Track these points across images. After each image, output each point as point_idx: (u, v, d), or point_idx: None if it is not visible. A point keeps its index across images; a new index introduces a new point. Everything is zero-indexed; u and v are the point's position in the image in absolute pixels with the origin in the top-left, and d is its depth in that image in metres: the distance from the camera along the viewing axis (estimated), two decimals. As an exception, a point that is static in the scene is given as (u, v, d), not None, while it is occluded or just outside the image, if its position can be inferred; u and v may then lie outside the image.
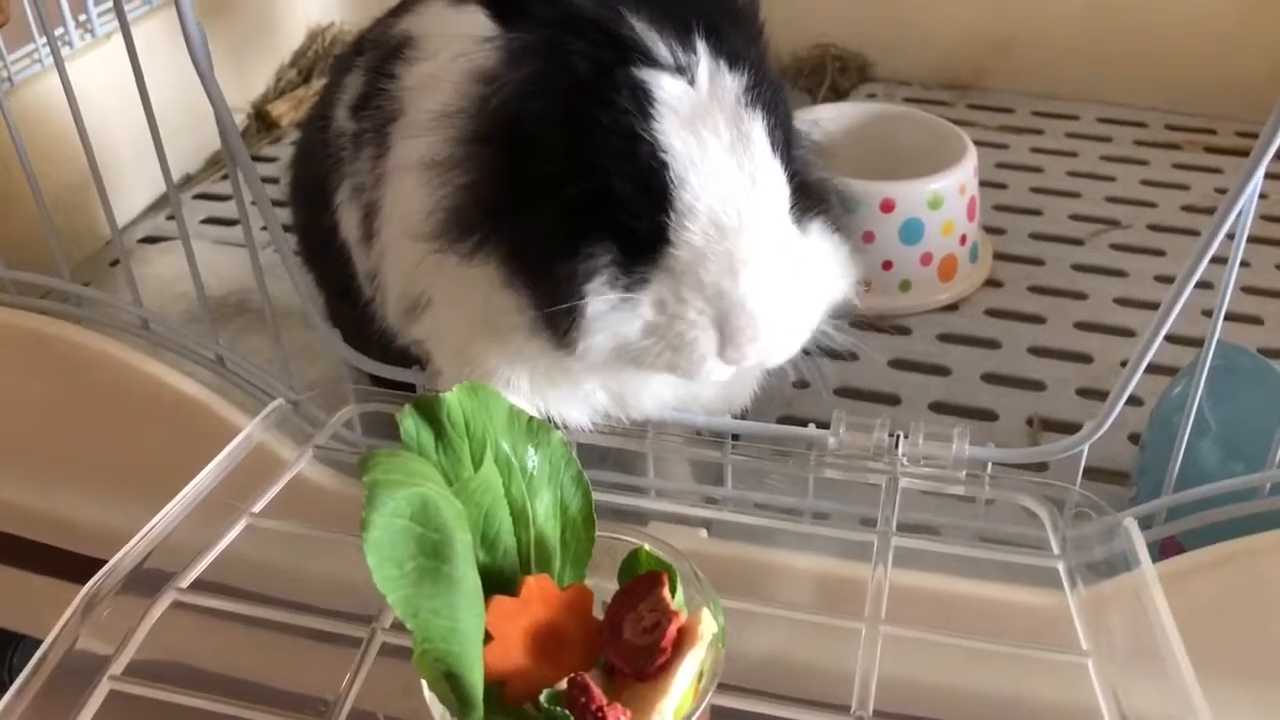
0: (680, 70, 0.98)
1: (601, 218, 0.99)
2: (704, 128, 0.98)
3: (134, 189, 2.05)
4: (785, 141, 1.03)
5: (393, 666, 0.90)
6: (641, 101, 0.97)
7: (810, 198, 1.07)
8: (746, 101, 0.99)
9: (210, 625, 1.00)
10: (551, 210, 1.01)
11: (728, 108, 0.99)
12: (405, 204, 1.13)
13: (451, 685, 0.74)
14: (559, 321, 1.01)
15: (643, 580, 0.81)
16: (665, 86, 0.97)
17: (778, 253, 1.00)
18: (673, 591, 0.80)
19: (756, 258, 0.98)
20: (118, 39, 1.23)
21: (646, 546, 0.86)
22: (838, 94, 2.46)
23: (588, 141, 0.99)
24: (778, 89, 1.04)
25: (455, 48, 1.12)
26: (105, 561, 0.96)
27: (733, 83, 0.99)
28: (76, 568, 0.99)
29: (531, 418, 0.85)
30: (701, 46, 0.99)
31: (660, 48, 0.98)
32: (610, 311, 1.00)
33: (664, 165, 0.97)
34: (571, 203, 0.99)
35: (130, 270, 1.40)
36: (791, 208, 1.03)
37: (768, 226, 0.99)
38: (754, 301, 0.97)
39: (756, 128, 0.99)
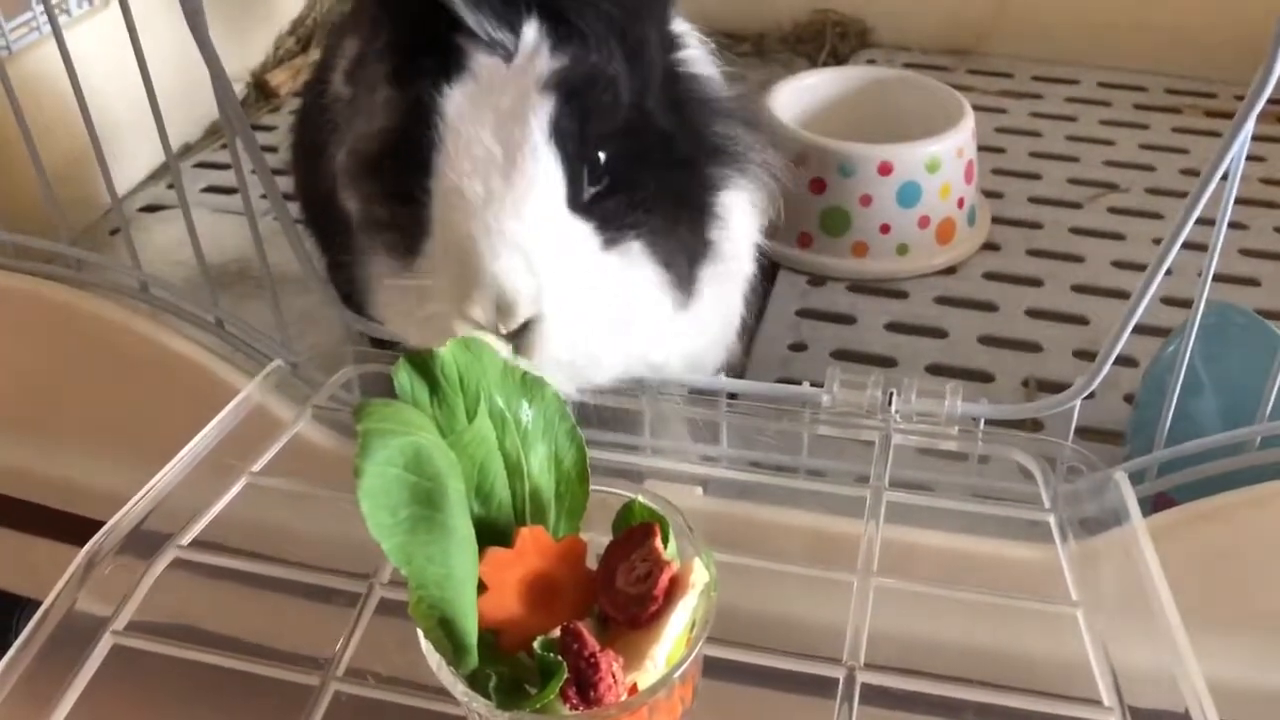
0: (493, 44, 0.99)
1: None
2: (488, 101, 0.99)
3: (134, 158, 2.05)
4: (588, 131, 1.01)
5: (390, 623, 0.91)
6: (448, 67, 1.00)
7: (633, 216, 1.05)
8: (551, 84, 0.99)
9: (209, 584, 1.01)
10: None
11: (524, 87, 0.99)
12: None
13: (446, 632, 0.75)
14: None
15: (636, 530, 0.82)
16: (474, 57, 1.00)
17: (526, 233, 0.98)
18: (665, 542, 0.81)
19: (496, 232, 0.97)
20: (116, 7, 1.23)
21: (640, 498, 0.86)
22: (837, 60, 2.46)
23: (405, 97, 1.03)
24: (614, 76, 1.02)
25: None
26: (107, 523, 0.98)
27: (548, 64, 1.00)
28: (79, 530, 0.99)
29: (525, 373, 0.86)
30: (532, 24, 1.00)
31: (475, 19, 0.99)
32: (383, 255, 1.06)
33: (433, 128, 0.99)
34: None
35: (130, 235, 1.41)
36: (586, 203, 1.02)
37: (523, 207, 0.98)
38: (482, 267, 0.97)
39: (541, 112, 0.99)
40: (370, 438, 0.72)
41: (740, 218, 1.19)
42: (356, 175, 1.14)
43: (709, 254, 1.13)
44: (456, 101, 0.99)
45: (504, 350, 0.99)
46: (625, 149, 1.04)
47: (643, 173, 1.05)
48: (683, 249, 1.09)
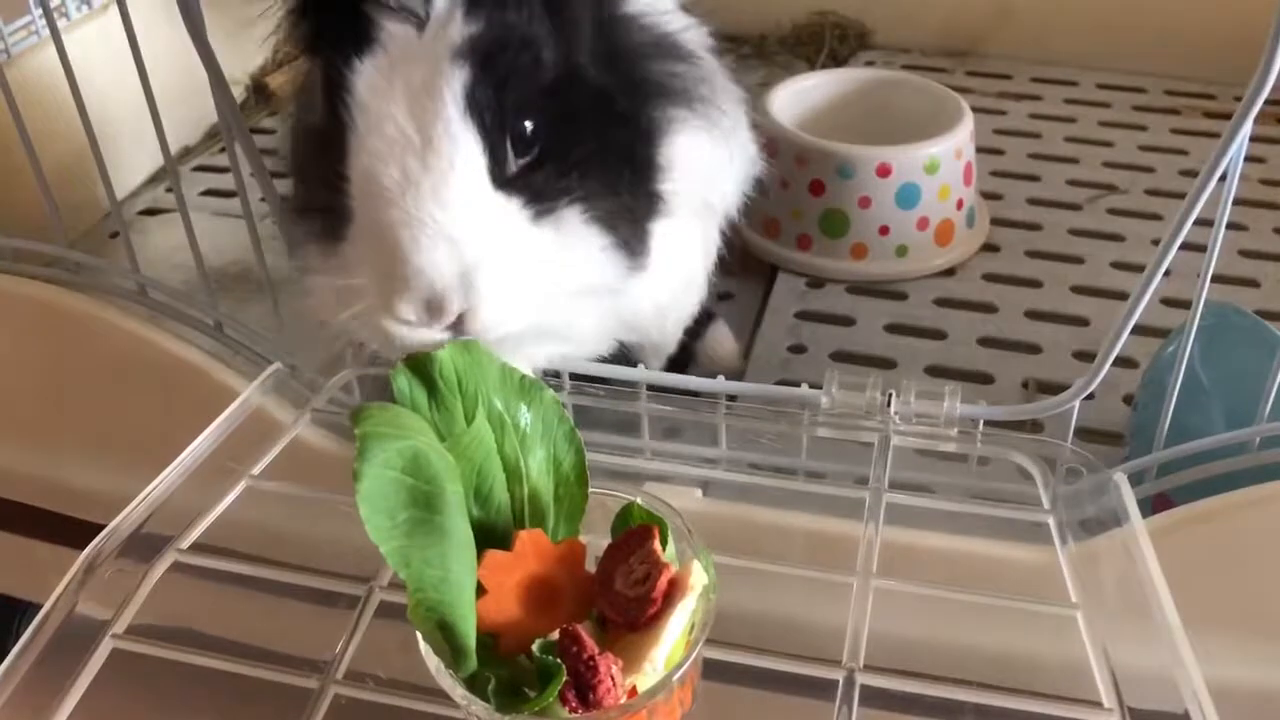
0: (403, 12, 0.94)
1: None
2: (400, 75, 0.94)
3: (134, 161, 2.05)
4: (508, 100, 0.95)
5: (390, 626, 0.91)
6: (360, 41, 0.94)
7: (566, 182, 0.99)
8: (464, 51, 0.93)
9: (209, 587, 1.01)
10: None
11: (436, 57, 0.93)
12: None
13: (445, 635, 0.75)
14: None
15: (634, 533, 0.82)
16: (384, 27, 0.94)
17: (449, 220, 0.93)
18: (664, 544, 0.82)
19: (417, 221, 0.93)
20: (115, 10, 1.24)
21: (639, 501, 0.86)
22: (837, 62, 2.46)
23: (325, 78, 0.98)
24: (535, 38, 0.96)
25: None
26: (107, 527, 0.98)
27: (461, 30, 0.94)
28: (79, 533, 0.99)
29: (524, 376, 0.86)
30: None
31: None
32: (317, 250, 1.02)
33: (345, 108, 0.95)
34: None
35: (128, 238, 1.41)
36: (511, 176, 0.97)
37: (442, 191, 0.93)
38: (407, 262, 0.93)
39: (455, 83, 0.93)
40: (368, 441, 0.72)
41: (699, 158, 1.13)
42: (294, 159, 1.11)
43: (658, 209, 1.08)
44: (367, 76, 0.94)
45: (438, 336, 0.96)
46: (555, 113, 0.98)
47: (577, 136, 1.00)
48: (626, 209, 1.04)
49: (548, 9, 0.97)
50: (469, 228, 0.94)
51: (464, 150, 0.94)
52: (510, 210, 0.97)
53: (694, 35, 1.19)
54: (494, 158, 0.95)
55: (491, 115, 0.94)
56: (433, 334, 0.96)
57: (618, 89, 1.04)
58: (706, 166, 1.16)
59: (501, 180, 0.96)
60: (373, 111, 0.94)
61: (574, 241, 1.00)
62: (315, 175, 1.02)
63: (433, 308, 0.93)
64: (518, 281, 0.97)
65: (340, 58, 0.95)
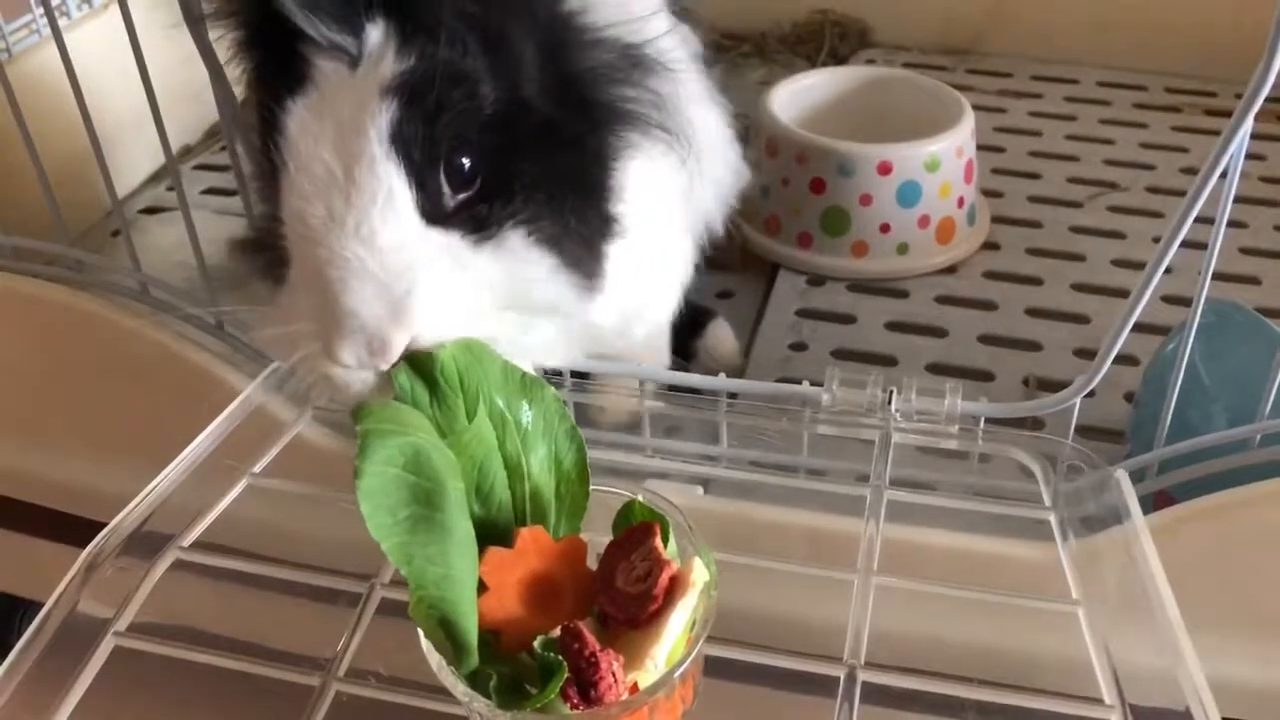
0: (334, 49, 0.91)
1: None
2: (330, 113, 0.90)
3: (135, 159, 2.05)
4: (439, 135, 0.91)
5: (392, 624, 0.91)
6: (294, 80, 0.92)
7: (509, 209, 0.95)
8: (393, 87, 0.90)
9: (211, 585, 1.02)
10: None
11: (366, 95, 0.90)
12: None
13: (446, 632, 0.75)
14: None
15: (635, 530, 0.82)
16: (319, 66, 0.91)
17: (375, 259, 0.89)
18: (665, 541, 0.82)
19: (343, 261, 0.89)
20: (116, 9, 1.24)
21: (640, 498, 0.87)
22: (837, 60, 2.46)
23: (261, 118, 0.96)
24: (470, 72, 0.92)
25: None
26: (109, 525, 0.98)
27: (393, 66, 0.90)
28: (81, 532, 0.99)
29: (524, 374, 0.86)
30: (378, 24, 0.91)
31: (309, 21, 0.90)
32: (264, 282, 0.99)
33: (277, 149, 0.92)
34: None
35: (129, 236, 1.41)
36: (449, 212, 0.93)
37: (365, 228, 0.89)
38: (338, 305, 0.88)
39: (381, 119, 0.89)
40: (369, 438, 0.72)
41: (655, 183, 1.10)
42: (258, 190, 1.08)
43: (612, 231, 1.04)
44: (298, 116, 0.91)
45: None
46: (495, 146, 0.94)
47: (522, 166, 0.96)
48: (575, 232, 0.99)
49: (485, 45, 0.94)
50: (396, 264, 0.90)
51: (388, 187, 0.90)
52: (445, 244, 0.93)
53: (672, 42, 1.14)
54: (425, 193, 0.92)
55: (421, 151, 0.91)
56: (377, 371, 0.91)
57: (567, 115, 1.00)
58: (665, 191, 1.13)
59: (437, 215, 0.93)
60: (302, 151, 0.91)
61: (520, 265, 0.96)
62: (261, 215, 1.00)
63: (373, 348, 0.88)
64: (457, 310, 0.93)
65: (274, 97, 0.93)
